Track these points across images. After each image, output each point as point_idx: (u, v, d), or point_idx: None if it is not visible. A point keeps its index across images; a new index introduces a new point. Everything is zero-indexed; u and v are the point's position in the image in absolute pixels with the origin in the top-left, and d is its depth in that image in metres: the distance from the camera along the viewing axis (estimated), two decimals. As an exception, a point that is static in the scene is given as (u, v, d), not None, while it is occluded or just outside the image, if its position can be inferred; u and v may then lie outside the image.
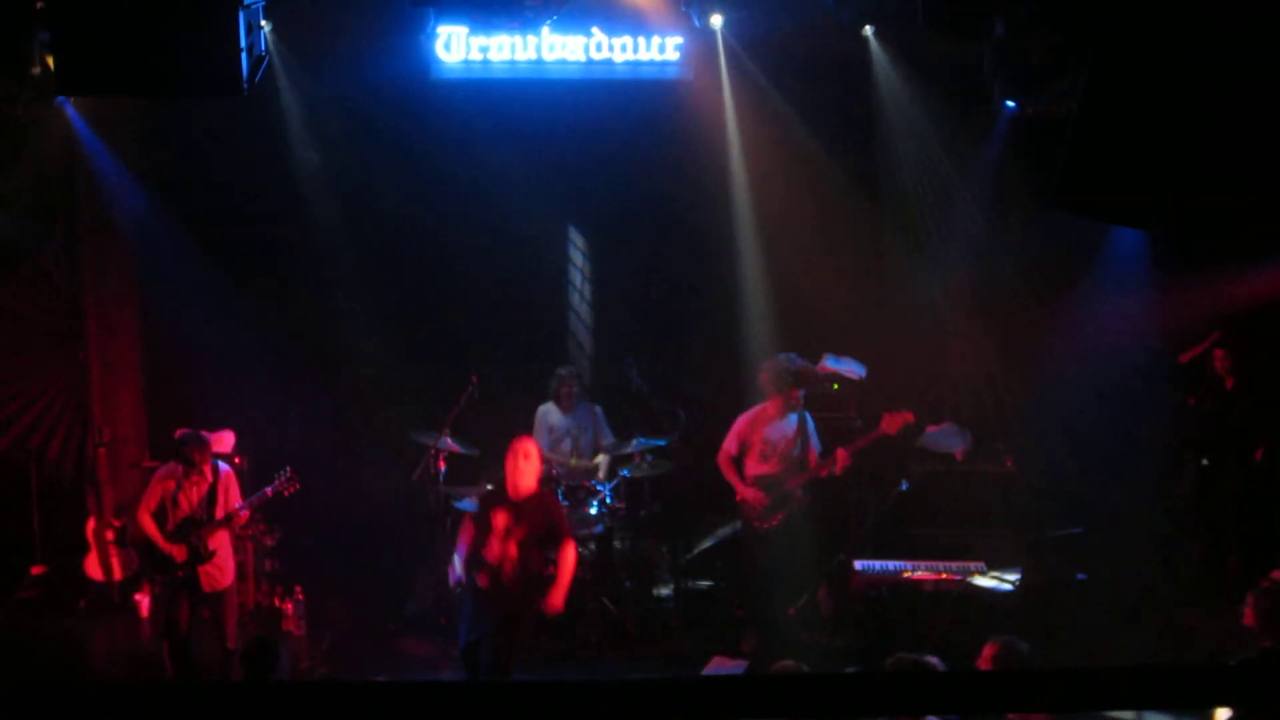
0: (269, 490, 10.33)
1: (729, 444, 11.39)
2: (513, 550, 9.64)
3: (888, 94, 12.41)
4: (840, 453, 10.95)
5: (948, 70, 11.81)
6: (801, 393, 11.15)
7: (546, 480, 12.02)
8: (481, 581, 9.66)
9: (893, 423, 10.85)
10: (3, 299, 12.58)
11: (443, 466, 12.01)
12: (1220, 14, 6.89)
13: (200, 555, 9.97)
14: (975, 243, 13.00)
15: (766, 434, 11.21)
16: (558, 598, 9.70)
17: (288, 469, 10.40)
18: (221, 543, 10.17)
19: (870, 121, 12.63)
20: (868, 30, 12.11)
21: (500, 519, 9.69)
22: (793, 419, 11.16)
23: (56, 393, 12.92)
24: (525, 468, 9.70)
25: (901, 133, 12.56)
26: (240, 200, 12.75)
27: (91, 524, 12.19)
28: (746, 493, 11.26)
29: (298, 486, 10.38)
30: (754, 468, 11.23)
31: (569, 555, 9.78)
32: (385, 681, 6.73)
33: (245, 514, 10.37)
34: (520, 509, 9.71)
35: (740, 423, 11.37)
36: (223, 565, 10.18)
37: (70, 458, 12.93)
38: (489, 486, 10.25)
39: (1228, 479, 11.93)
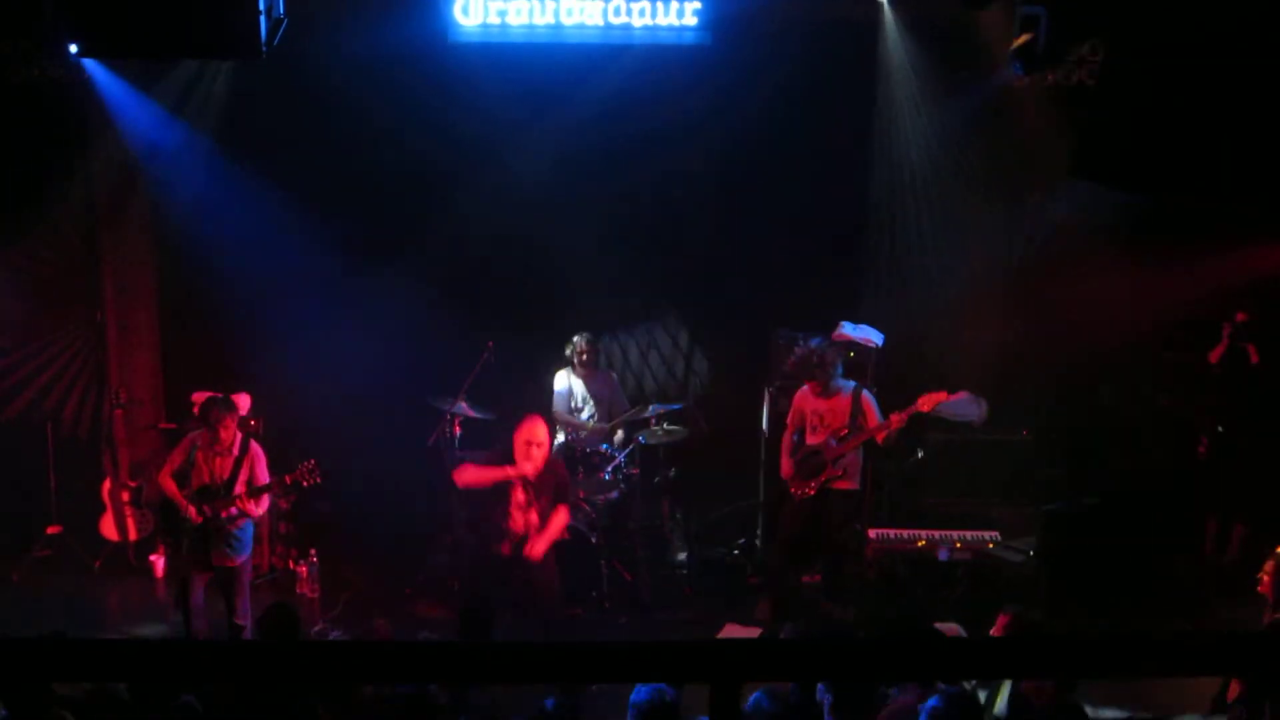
0: (288, 478, 10.23)
1: (789, 417, 11.50)
2: (534, 518, 10.32)
3: (899, 61, 12.35)
4: (892, 419, 10.94)
5: (962, 38, 11.76)
6: (821, 384, 11.15)
7: (561, 449, 12.10)
8: (505, 550, 10.04)
9: (929, 401, 10.87)
10: (20, 260, 12.59)
11: (458, 431, 12.03)
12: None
13: (211, 526, 9.98)
14: (990, 212, 12.95)
15: (815, 406, 11.26)
16: (539, 547, 10.31)
17: (311, 460, 10.27)
18: (238, 521, 10.09)
19: (879, 90, 12.58)
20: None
21: (519, 493, 10.33)
22: (844, 394, 11.15)
23: (73, 354, 12.95)
24: (537, 454, 10.31)
25: (913, 100, 12.50)
26: (257, 162, 12.71)
27: (107, 485, 12.23)
28: (785, 467, 11.34)
29: (319, 479, 10.26)
30: (809, 438, 11.27)
31: (560, 517, 10.42)
32: (397, 640, 6.75)
33: (261, 507, 10.27)
34: (537, 482, 10.33)
35: (796, 396, 11.47)
36: (234, 543, 10.10)
37: (86, 419, 12.97)
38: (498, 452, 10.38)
39: (1244, 447, 11.89)
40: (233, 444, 10.06)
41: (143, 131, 12.33)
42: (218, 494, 9.95)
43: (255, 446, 10.22)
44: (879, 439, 11.03)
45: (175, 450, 10.25)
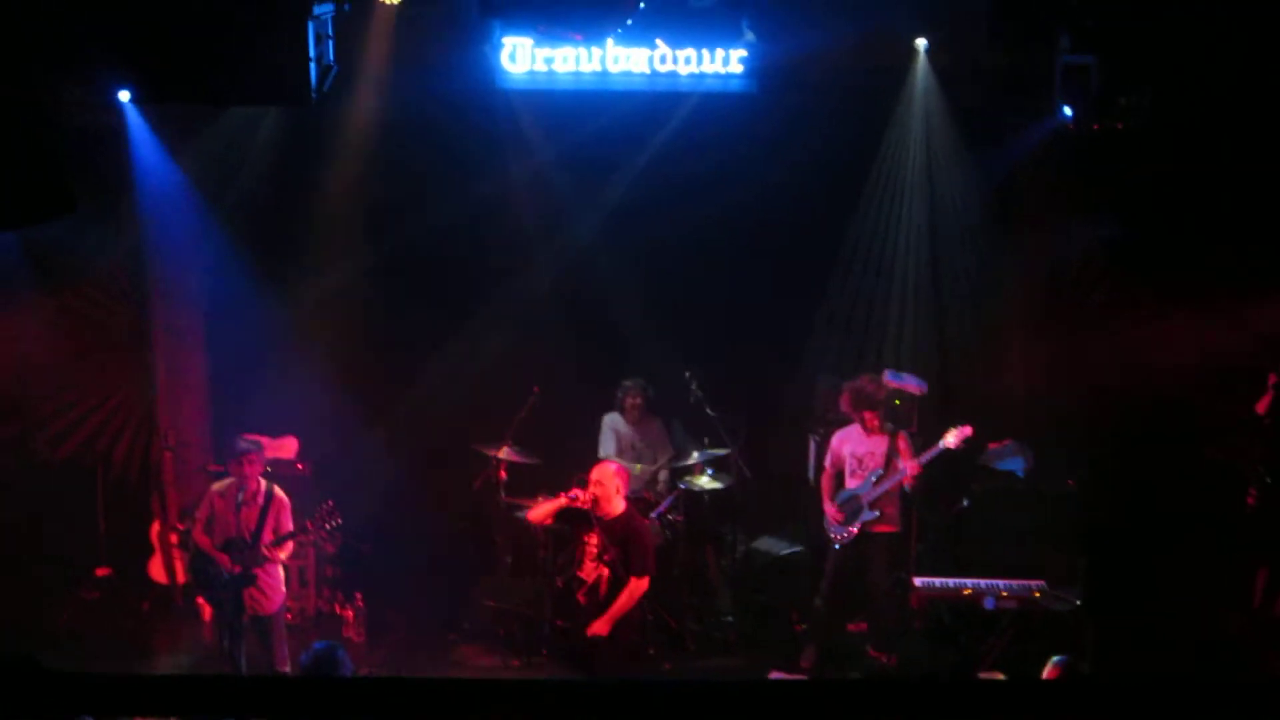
0: (309, 523, 10.30)
1: (828, 461, 11.57)
2: (605, 571, 10.18)
3: (934, 106, 12.39)
4: (911, 465, 10.98)
5: (1002, 83, 11.77)
6: (880, 415, 11.21)
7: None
8: (581, 599, 10.18)
9: (955, 437, 10.88)
10: (72, 303, 12.71)
11: (504, 477, 12.06)
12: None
13: (243, 577, 10.04)
14: (1034, 257, 12.93)
15: (853, 450, 11.34)
16: (603, 624, 10.09)
17: (329, 502, 10.36)
18: (268, 569, 10.19)
19: (914, 134, 12.61)
20: (920, 42, 12.10)
21: (593, 539, 10.23)
22: (884, 436, 11.21)
23: (123, 397, 13.03)
24: (595, 490, 10.20)
25: (950, 145, 12.52)
26: (304, 208, 12.83)
27: (156, 527, 12.29)
28: (826, 508, 11.41)
29: (339, 521, 10.32)
30: (848, 482, 11.33)
31: (633, 587, 10.12)
32: (436, 677, 6.76)
33: (287, 550, 10.33)
34: (611, 530, 10.20)
35: (834, 439, 11.56)
36: (267, 590, 10.21)
37: (136, 461, 13.03)
38: (575, 495, 10.32)
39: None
40: (258, 493, 10.14)
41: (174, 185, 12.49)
42: (245, 545, 10.03)
43: (280, 495, 10.29)
44: (908, 479, 11.03)
45: (200, 505, 10.40)
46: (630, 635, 10.37)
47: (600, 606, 10.10)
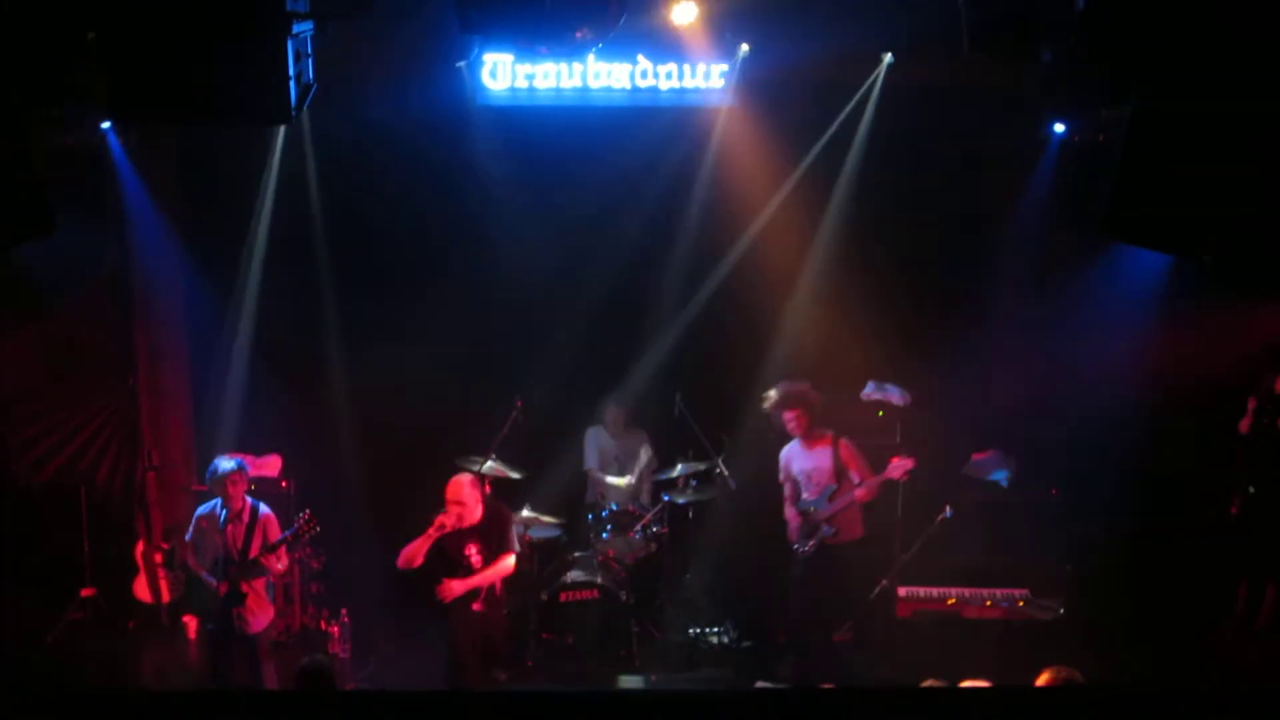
0: (289, 534, 10.30)
1: (781, 478, 11.63)
2: (488, 574, 10.27)
3: (913, 120, 12.43)
4: (861, 492, 11.03)
5: (983, 96, 11.83)
6: (796, 416, 11.20)
7: (592, 506, 12.17)
8: (477, 607, 10.17)
9: (897, 468, 10.93)
10: (53, 326, 12.68)
11: (489, 491, 12.06)
12: (1267, 38, 6.88)
13: (233, 597, 10.06)
14: (1022, 269, 12.97)
15: (800, 466, 11.37)
16: (459, 586, 10.17)
17: (306, 512, 10.38)
18: (255, 587, 10.22)
19: (900, 148, 12.64)
20: (886, 57, 12.15)
21: (473, 550, 10.23)
22: (824, 446, 11.21)
23: (107, 417, 13.00)
24: (457, 510, 10.13)
25: (936, 158, 12.56)
26: (284, 226, 12.85)
27: (140, 547, 12.26)
28: (787, 513, 11.51)
29: (317, 529, 10.36)
30: (805, 494, 11.39)
31: (500, 562, 10.27)
32: (420, 691, 6.80)
33: (281, 564, 10.36)
34: (482, 534, 10.24)
35: (781, 457, 11.61)
36: (255, 609, 10.24)
37: (120, 481, 13.01)
38: (441, 524, 10.24)
39: (1276, 509, 11.81)
40: (243, 511, 10.17)
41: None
42: (234, 563, 10.07)
43: (265, 510, 10.35)
44: (859, 499, 11.08)
45: (187, 532, 10.48)
46: (495, 626, 10.45)
47: (498, 604, 10.35)
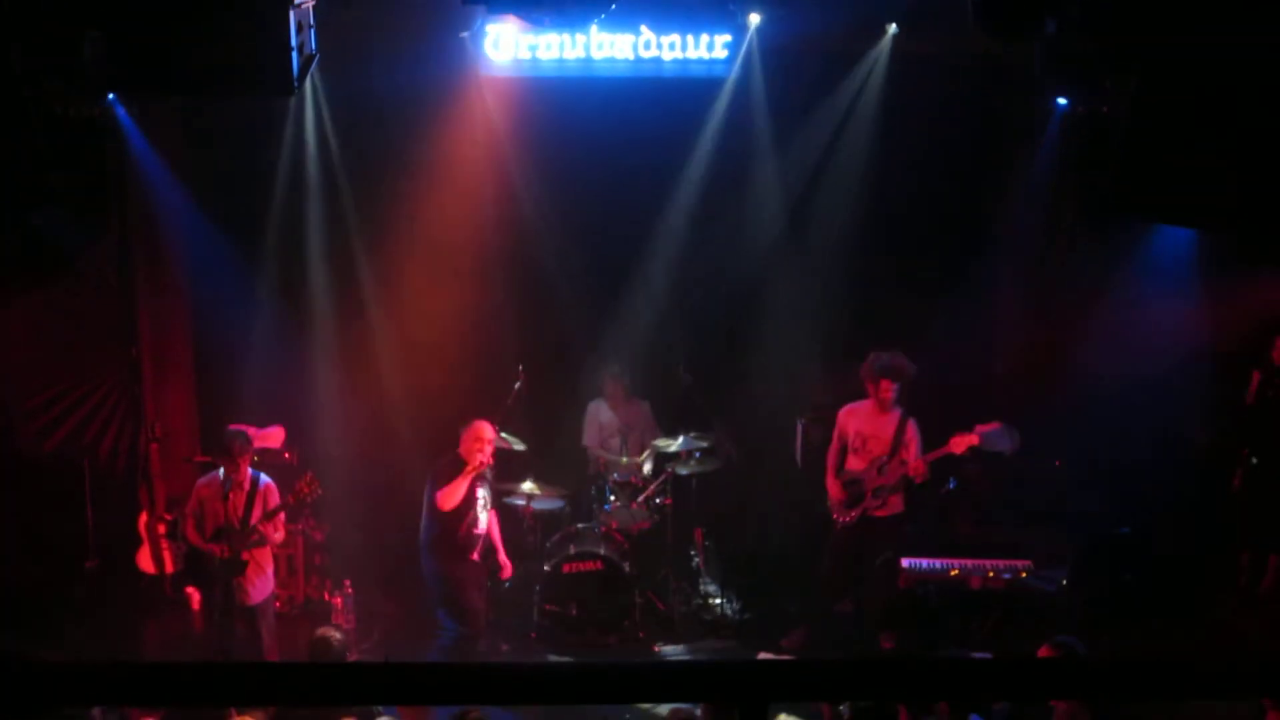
0: (291, 498, 10.34)
1: (834, 435, 11.54)
2: (494, 512, 10.69)
3: (919, 93, 12.38)
4: (916, 464, 10.98)
5: (991, 70, 11.80)
6: (894, 388, 11.13)
7: (595, 478, 12.18)
8: (475, 557, 10.43)
9: (960, 443, 10.87)
10: (57, 297, 12.66)
11: (491, 462, 12.05)
12: (1267, 9, 6.86)
13: (233, 566, 10.06)
14: (1025, 241, 12.94)
15: (859, 427, 11.29)
16: (506, 559, 10.96)
17: (308, 474, 10.44)
18: (255, 557, 10.22)
19: (907, 120, 12.59)
20: (890, 28, 12.11)
21: (477, 492, 10.45)
22: (892, 417, 11.16)
23: (109, 389, 13.00)
24: (488, 449, 10.43)
25: (939, 131, 12.50)
26: (288, 197, 12.82)
27: (144, 518, 12.27)
28: (830, 485, 11.40)
29: (320, 491, 10.41)
30: (850, 462, 11.31)
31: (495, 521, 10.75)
32: (429, 662, 6.83)
33: (279, 533, 10.38)
34: (489, 479, 10.61)
35: (840, 414, 11.49)
36: (256, 579, 10.25)
37: (123, 453, 13.01)
38: (481, 462, 10.38)
39: (1278, 479, 11.83)
40: (244, 480, 10.19)
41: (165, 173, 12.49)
42: (235, 531, 10.06)
43: (267, 480, 10.35)
44: (918, 469, 11.02)
45: (188, 503, 10.44)
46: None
47: (490, 550, 10.69)
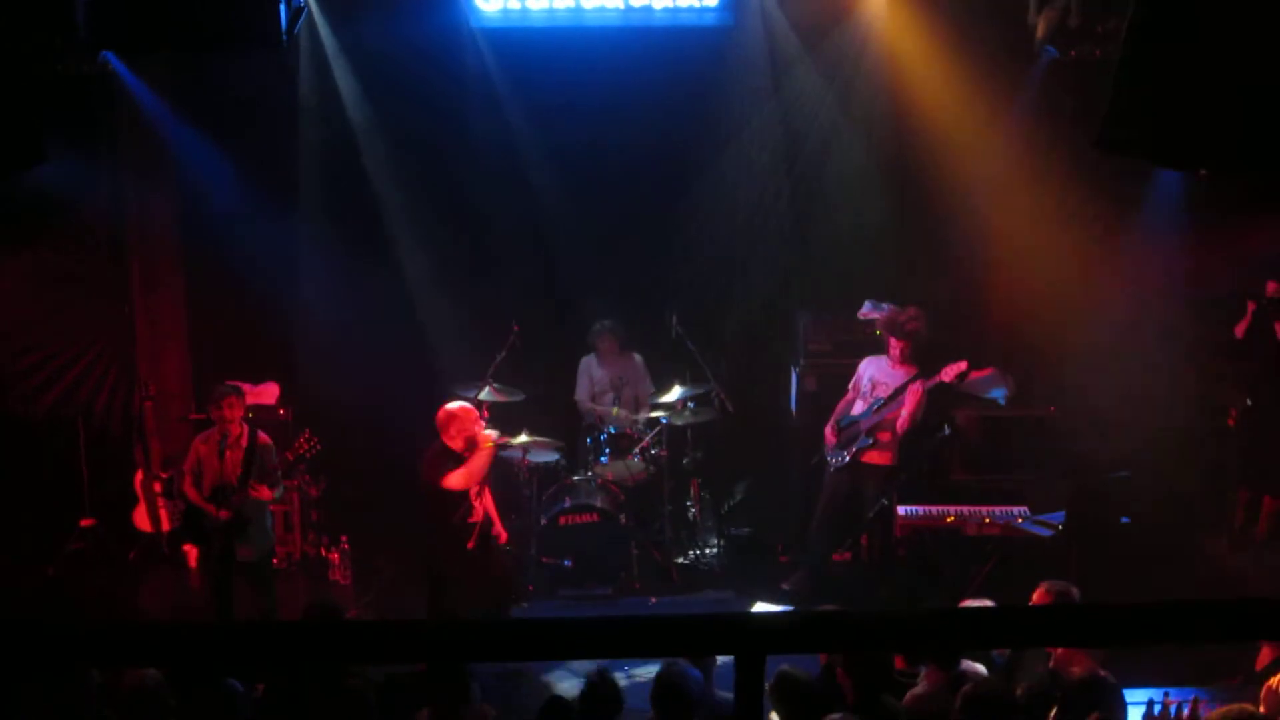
0: (289, 455, 10.34)
1: (850, 383, 11.67)
2: (489, 501, 10.26)
3: (909, 38, 12.30)
4: (904, 423, 11.04)
5: (981, 15, 11.73)
6: (900, 345, 11.26)
7: (590, 430, 12.19)
8: (471, 545, 10.03)
9: (950, 371, 10.90)
10: (49, 255, 12.64)
11: (486, 416, 12.05)
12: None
13: (235, 522, 10.05)
14: (1015, 188, 12.89)
15: (873, 375, 11.44)
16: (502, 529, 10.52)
17: (306, 431, 10.44)
18: (254, 513, 10.19)
19: (895, 66, 12.52)
20: None
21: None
22: (905, 372, 11.20)
23: (103, 347, 12.98)
24: (478, 431, 10.07)
25: (927, 78, 12.43)
26: (280, 152, 12.76)
27: (139, 476, 12.28)
28: (826, 430, 11.54)
29: (319, 447, 10.38)
30: (855, 408, 11.43)
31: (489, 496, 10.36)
32: (422, 620, 6.85)
33: (272, 490, 10.29)
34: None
35: (863, 362, 11.64)
36: (256, 535, 10.21)
37: (117, 412, 13.01)
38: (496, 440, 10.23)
39: (1273, 420, 11.85)
40: (241, 436, 10.13)
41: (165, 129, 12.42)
42: (233, 490, 10.02)
43: (264, 436, 10.30)
44: (907, 412, 11.04)
45: (186, 460, 10.38)
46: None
47: (490, 543, 10.29)
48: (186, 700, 7.04)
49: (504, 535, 10.55)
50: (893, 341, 11.26)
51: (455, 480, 9.88)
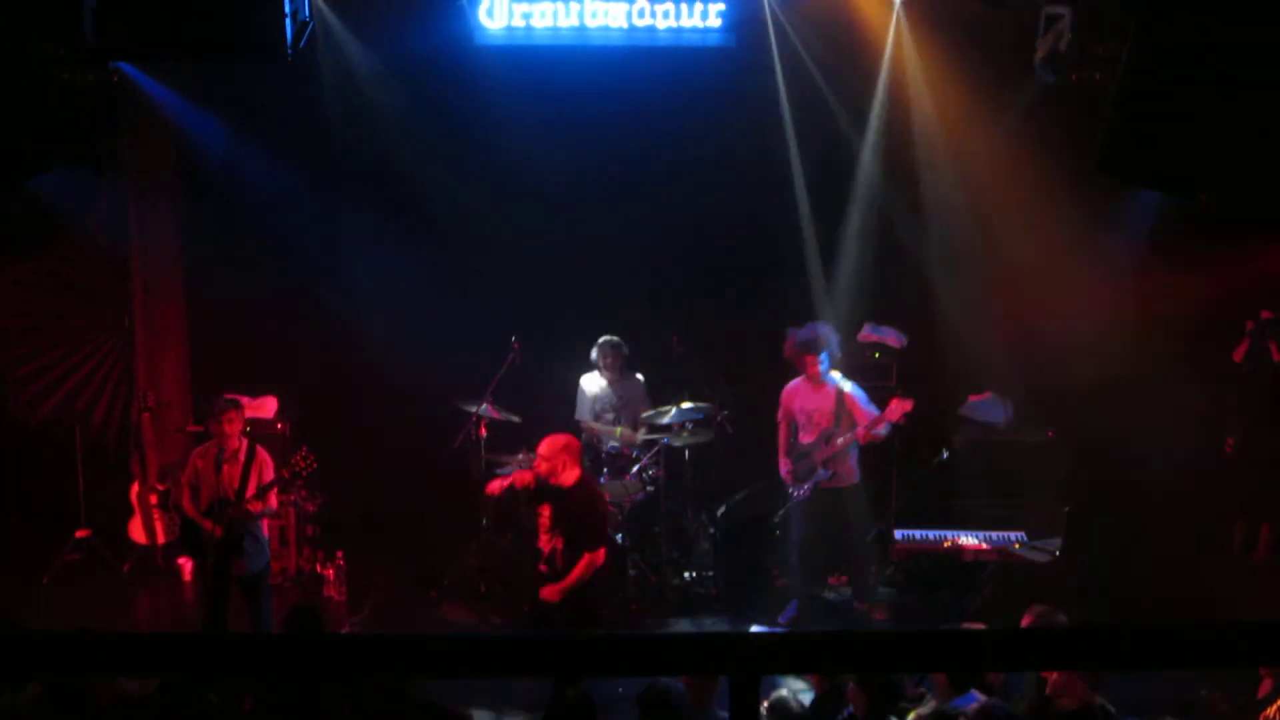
0: (285, 472, 10.30)
1: (780, 415, 11.55)
2: (560, 543, 9.71)
3: (916, 63, 12.29)
4: (860, 432, 11.00)
5: (983, 39, 11.72)
6: (820, 360, 11.10)
7: (587, 449, 12.11)
8: (543, 569, 9.78)
9: (895, 410, 10.84)
10: (50, 263, 12.66)
11: (484, 434, 12.05)
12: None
13: (229, 537, 10.00)
14: (1019, 214, 12.89)
15: (801, 404, 11.32)
16: (553, 592, 9.66)
17: (303, 448, 10.37)
18: (253, 529, 10.14)
19: (901, 88, 12.51)
20: (896, 1, 12.04)
21: (546, 511, 9.79)
22: (829, 390, 11.16)
23: (102, 357, 13.00)
24: (564, 470, 9.66)
25: (931, 99, 12.43)
26: (284, 165, 12.77)
27: (135, 488, 12.27)
28: (780, 463, 11.47)
29: (315, 465, 10.31)
30: (802, 436, 11.32)
31: (588, 560, 9.62)
32: (415, 634, 6.86)
33: (270, 501, 10.24)
34: (563, 502, 9.72)
35: (783, 393, 11.48)
36: (252, 550, 10.14)
37: (115, 422, 13.02)
38: (521, 461, 10.13)
39: (1270, 446, 11.85)
40: (239, 450, 10.10)
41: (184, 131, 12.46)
42: (230, 504, 9.96)
43: (262, 451, 10.25)
44: (860, 438, 11.03)
45: (184, 473, 10.34)
46: (584, 606, 9.80)
47: (558, 575, 9.68)
48: (166, 713, 7.00)
49: (549, 594, 9.97)
50: (808, 360, 11.15)
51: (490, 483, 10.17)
